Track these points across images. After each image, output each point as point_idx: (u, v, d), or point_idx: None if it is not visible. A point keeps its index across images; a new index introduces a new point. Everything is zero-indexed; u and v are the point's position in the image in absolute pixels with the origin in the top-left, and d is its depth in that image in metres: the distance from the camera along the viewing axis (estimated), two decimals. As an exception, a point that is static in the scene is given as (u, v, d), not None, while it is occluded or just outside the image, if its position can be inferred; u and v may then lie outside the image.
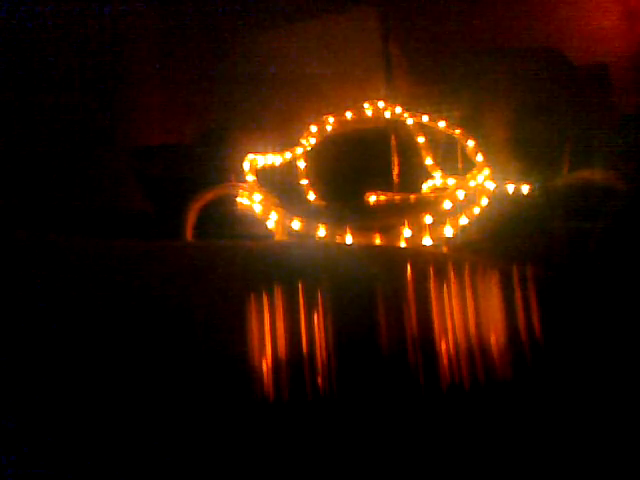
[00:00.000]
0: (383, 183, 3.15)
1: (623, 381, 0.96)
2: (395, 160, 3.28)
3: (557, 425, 0.85)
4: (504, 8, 3.56)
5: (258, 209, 2.58)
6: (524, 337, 1.11)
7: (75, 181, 3.03)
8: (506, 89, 3.26)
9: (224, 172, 2.95)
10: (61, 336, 1.07)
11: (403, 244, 2.29)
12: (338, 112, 3.31)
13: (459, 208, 2.53)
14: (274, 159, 3.13)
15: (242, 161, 2.96)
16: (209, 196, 2.56)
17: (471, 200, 2.61)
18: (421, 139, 3.23)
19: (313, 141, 3.24)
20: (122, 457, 0.84)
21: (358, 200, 3.02)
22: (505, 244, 2.20)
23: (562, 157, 2.96)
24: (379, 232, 2.29)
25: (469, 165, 2.98)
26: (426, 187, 3.12)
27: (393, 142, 3.31)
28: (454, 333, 1.14)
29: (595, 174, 2.61)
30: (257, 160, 3.01)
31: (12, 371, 0.97)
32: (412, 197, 2.99)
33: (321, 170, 3.21)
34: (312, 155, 3.22)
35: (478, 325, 1.18)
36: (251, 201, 2.62)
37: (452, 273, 1.41)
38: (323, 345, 1.07)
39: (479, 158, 2.95)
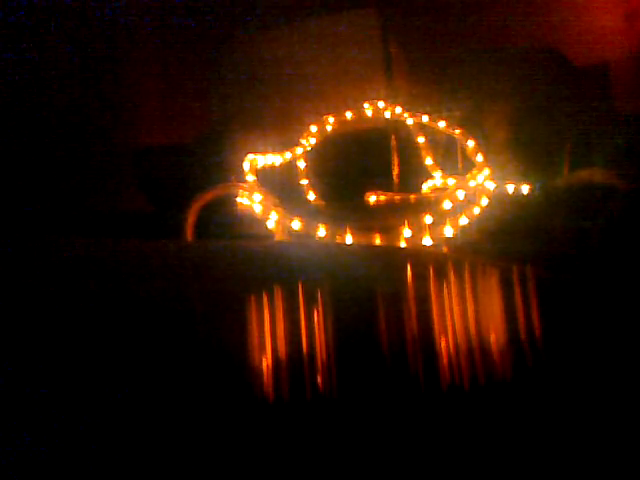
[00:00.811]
0: (383, 183, 3.15)
1: (623, 381, 0.96)
2: (395, 160, 3.29)
3: (557, 425, 0.85)
4: (504, 8, 3.57)
5: (258, 209, 2.58)
6: (524, 337, 1.11)
7: (75, 181, 3.03)
8: (506, 89, 3.26)
9: (224, 172, 2.95)
10: (61, 336, 1.07)
11: (403, 244, 2.29)
12: (338, 112, 3.31)
13: (459, 208, 2.53)
14: (274, 159, 3.13)
15: (242, 161, 2.96)
16: (209, 196, 2.56)
17: (471, 200, 2.62)
18: (421, 139, 3.24)
19: (313, 141, 3.24)
20: (122, 457, 0.84)
21: (358, 200, 3.02)
22: (505, 244, 2.20)
23: (562, 157, 2.96)
24: (379, 232, 2.29)
25: (469, 165, 2.98)
26: (426, 187, 3.12)
27: (393, 142, 3.32)
28: (454, 333, 1.14)
29: (595, 174, 2.61)
30: (257, 160, 3.01)
31: (12, 371, 0.97)
32: (412, 197, 3.00)
33: (321, 170, 3.21)
34: (312, 155, 3.22)
35: (478, 325, 1.18)
36: (251, 201, 2.62)
37: (452, 273, 1.41)
38: (323, 345, 1.07)
39: (479, 158, 2.95)
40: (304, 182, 3.16)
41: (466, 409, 0.89)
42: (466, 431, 0.83)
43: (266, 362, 1.03)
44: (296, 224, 2.43)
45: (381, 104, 3.32)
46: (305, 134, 3.25)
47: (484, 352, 1.06)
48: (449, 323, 1.18)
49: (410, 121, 3.26)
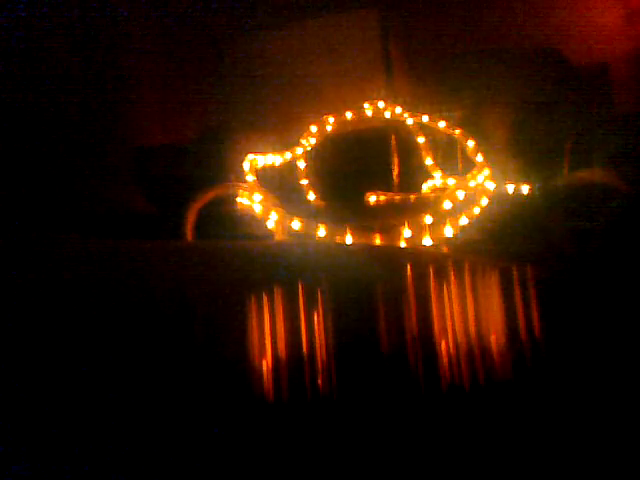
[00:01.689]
0: (383, 183, 3.14)
1: (623, 381, 0.96)
2: (395, 160, 3.28)
3: (557, 424, 0.85)
4: (504, 9, 3.57)
5: (258, 209, 2.58)
6: (524, 337, 1.11)
7: (75, 181, 3.03)
8: (506, 89, 3.26)
9: (224, 172, 2.95)
10: (60, 336, 1.07)
11: (403, 244, 2.29)
12: (338, 112, 3.31)
13: (459, 208, 2.53)
14: (274, 159, 3.13)
15: (242, 161, 2.96)
16: (209, 196, 2.56)
17: (471, 200, 2.62)
18: (421, 139, 3.23)
19: (313, 141, 3.24)
20: (121, 457, 0.84)
21: (358, 200, 3.02)
22: (505, 244, 2.20)
23: (562, 157, 2.96)
24: (379, 232, 2.29)
25: (469, 165, 2.98)
26: (426, 187, 3.12)
27: (393, 142, 3.31)
28: (454, 333, 1.14)
29: (595, 174, 2.61)
30: (257, 160, 3.01)
31: (12, 371, 0.97)
32: (412, 197, 2.99)
33: (321, 170, 3.21)
34: (312, 155, 3.22)
35: (478, 325, 1.18)
36: (251, 201, 2.62)
37: (452, 273, 1.41)
38: (323, 345, 1.07)
39: (479, 158, 2.95)
40: (304, 182, 3.16)
41: (466, 409, 0.89)
42: (466, 430, 0.83)
43: (266, 362, 1.03)
44: (296, 224, 2.43)
45: (381, 104, 3.32)
46: (305, 134, 3.25)
47: (484, 352, 1.06)
48: (449, 323, 1.18)
49: (410, 121, 3.26)
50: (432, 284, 1.32)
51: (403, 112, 3.27)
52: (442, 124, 3.19)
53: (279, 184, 2.98)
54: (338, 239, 2.31)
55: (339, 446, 0.81)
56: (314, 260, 1.41)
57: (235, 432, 0.87)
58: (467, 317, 1.22)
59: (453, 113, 3.31)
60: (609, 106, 3.23)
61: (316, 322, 1.15)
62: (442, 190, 2.93)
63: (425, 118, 3.24)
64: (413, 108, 3.30)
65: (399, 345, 1.08)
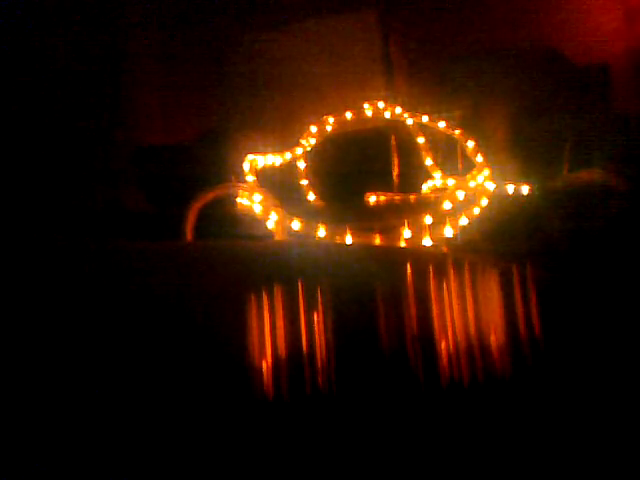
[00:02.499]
0: (383, 183, 3.15)
1: (623, 380, 0.96)
2: (395, 160, 3.28)
3: (557, 423, 0.85)
4: (504, 9, 3.57)
5: (258, 209, 2.58)
6: (524, 337, 1.11)
7: (75, 181, 3.03)
8: (506, 89, 3.26)
9: (224, 172, 2.95)
10: (60, 336, 1.07)
11: (403, 244, 2.29)
12: (338, 112, 3.31)
13: (459, 208, 2.53)
14: (274, 159, 3.13)
15: (242, 161, 2.96)
16: (209, 196, 2.56)
17: (471, 200, 2.62)
18: (421, 139, 3.23)
19: (313, 141, 3.24)
20: (121, 457, 0.84)
21: (358, 200, 3.02)
22: (505, 244, 2.20)
23: (562, 157, 2.96)
24: (379, 232, 2.29)
25: (469, 165, 2.98)
26: (426, 187, 3.12)
27: (393, 142, 3.31)
28: (454, 333, 1.15)
29: (595, 174, 2.61)
30: (257, 160, 3.01)
31: (12, 371, 0.97)
32: (412, 197, 2.99)
33: (321, 170, 3.21)
34: (312, 155, 3.22)
35: (478, 325, 1.18)
36: (251, 201, 2.62)
37: (452, 273, 1.41)
38: (323, 345, 1.07)
39: (479, 158, 2.95)
40: (304, 182, 3.16)
41: (466, 407, 0.89)
42: (466, 429, 0.84)
43: (266, 362, 1.04)
44: (296, 224, 2.43)
45: (381, 104, 3.32)
46: (305, 134, 3.25)
47: (484, 351, 1.06)
48: (449, 323, 1.18)
49: (410, 121, 3.26)
50: (432, 284, 1.32)
51: (403, 112, 3.27)
52: (442, 124, 3.19)
53: (279, 184, 2.98)
54: (338, 239, 2.31)
55: (340, 444, 0.81)
56: (314, 260, 1.41)
57: (235, 432, 0.87)
58: (467, 317, 1.22)
59: (453, 113, 3.31)
60: (608, 106, 3.23)
61: (316, 322, 1.15)
62: (442, 190, 2.93)
63: (425, 118, 3.24)
64: (413, 108, 3.30)
65: (399, 345, 1.08)
